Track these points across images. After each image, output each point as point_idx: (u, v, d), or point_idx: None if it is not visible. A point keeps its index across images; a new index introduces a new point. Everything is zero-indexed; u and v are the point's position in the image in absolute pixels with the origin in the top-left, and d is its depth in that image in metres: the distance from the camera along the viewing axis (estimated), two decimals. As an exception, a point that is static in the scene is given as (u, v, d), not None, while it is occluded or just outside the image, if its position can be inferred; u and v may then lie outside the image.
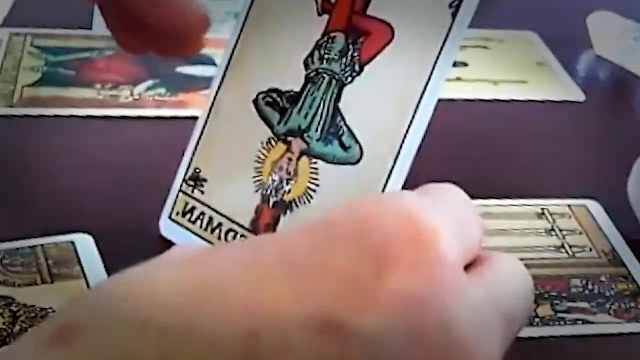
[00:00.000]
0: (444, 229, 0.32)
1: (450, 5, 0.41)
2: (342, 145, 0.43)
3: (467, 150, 0.59)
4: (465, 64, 0.67)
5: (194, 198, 0.46)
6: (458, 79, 0.65)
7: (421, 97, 0.41)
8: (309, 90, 0.44)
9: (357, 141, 0.43)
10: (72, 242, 0.47)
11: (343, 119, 0.43)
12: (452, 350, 0.31)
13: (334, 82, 0.43)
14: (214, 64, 0.64)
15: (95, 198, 0.52)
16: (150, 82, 0.62)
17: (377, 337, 0.30)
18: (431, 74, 0.41)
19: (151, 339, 0.28)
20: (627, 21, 0.71)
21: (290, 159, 0.44)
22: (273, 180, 0.44)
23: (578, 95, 0.66)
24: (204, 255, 0.32)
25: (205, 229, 0.46)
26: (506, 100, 0.65)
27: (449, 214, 0.33)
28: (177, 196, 0.47)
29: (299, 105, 0.44)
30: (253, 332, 0.29)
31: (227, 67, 0.46)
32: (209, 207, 0.46)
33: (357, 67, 0.43)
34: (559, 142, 0.61)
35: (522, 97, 0.65)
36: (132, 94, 0.61)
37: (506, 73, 0.68)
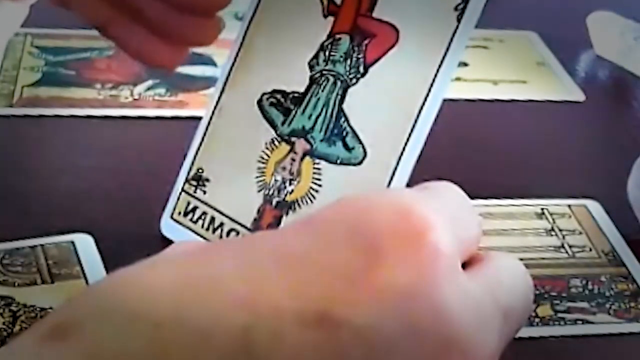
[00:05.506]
0: (437, 222, 0.32)
1: (455, 8, 0.41)
2: (345, 146, 0.43)
3: (467, 150, 0.59)
4: (465, 64, 0.67)
5: (196, 198, 0.46)
6: (458, 79, 0.65)
7: (425, 99, 0.41)
8: (313, 92, 0.44)
9: (360, 142, 0.43)
10: (72, 242, 0.47)
11: (347, 120, 0.43)
12: (446, 340, 0.31)
13: (338, 83, 0.43)
14: (214, 64, 0.64)
15: (95, 198, 0.52)
16: (150, 82, 0.62)
17: (371, 329, 0.30)
18: (435, 76, 0.41)
19: (145, 334, 0.29)
20: (627, 21, 0.71)
21: (293, 160, 0.44)
22: (276, 181, 0.44)
23: (578, 95, 0.66)
24: (199, 251, 0.32)
25: (207, 229, 0.46)
26: (506, 100, 0.65)
27: (443, 209, 0.33)
28: (179, 196, 0.47)
29: (303, 106, 0.44)
30: (247, 327, 0.29)
31: (231, 68, 0.46)
32: (211, 207, 0.46)
33: (361, 69, 0.43)
34: (559, 142, 0.61)
35: (522, 97, 0.65)
36: (132, 94, 0.61)
37: (506, 73, 0.68)
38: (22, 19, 0.64)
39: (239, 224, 0.45)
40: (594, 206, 0.54)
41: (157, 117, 0.59)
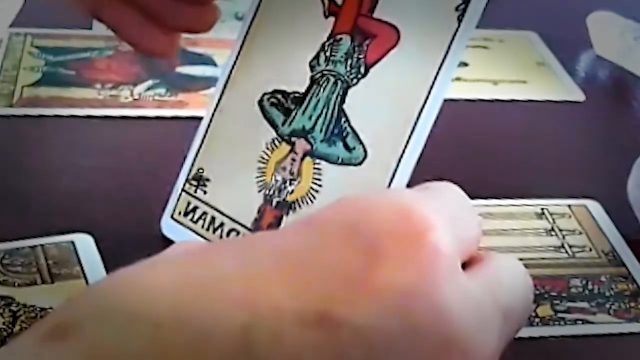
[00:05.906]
0: (437, 222, 0.32)
1: (456, 9, 0.41)
2: (346, 146, 0.43)
3: (467, 150, 0.59)
4: (465, 64, 0.67)
5: (196, 198, 0.46)
6: (458, 79, 0.65)
7: (425, 100, 0.41)
8: (314, 92, 0.44)
9: (361, 142, 0.43)
10: (72, 242, 0.47)
11: (347, 120, 0.43)
12: (446, 340, 0.31)
13: (339, 83, 0.43)
14: (214, 64, 0.64)
15: (95, 198, 0.52)
16: (150, 82, 0.62)
17: (371, 329, 0.30)
18: (436, 77, 0.41)
19: (145, 334, 0.29)
20: (627, 21, 0.71)
21: (294, 160, 0.44)
22: (276, 181, 0.44)
23: (578, 95, 0.66)
24: (199, 251, 0.32)
25: (207, 229, 0.46)
26: (506, 100, 0.65)
27: (443, 209, 0.33)
28: (179, 196, 0.47)
29: (303, 107, 0.44)
30: (247, 327, 0.29)
31: (232, 68, 0.46)
32: (211, 207, 0.46)
33: (362, 69, 0.43)
34: (559, 142, 0.61)
35: (522, 97, 0.65)
36: (132, 94, 0.61)
37: (506, 73, 0.68)
38: (17, 8, 0.64)
39: (240, 224, 0.45)
40: (594, 206, 0.54)
41: (157, 117, 0.59)
